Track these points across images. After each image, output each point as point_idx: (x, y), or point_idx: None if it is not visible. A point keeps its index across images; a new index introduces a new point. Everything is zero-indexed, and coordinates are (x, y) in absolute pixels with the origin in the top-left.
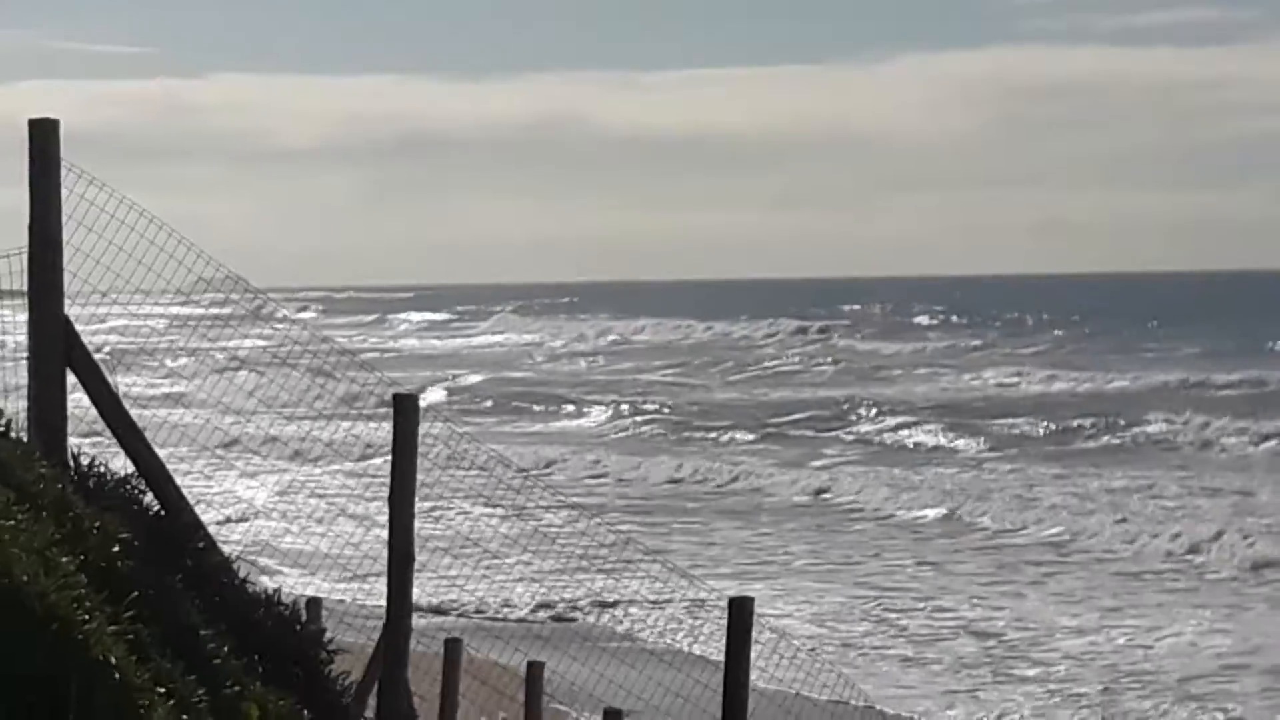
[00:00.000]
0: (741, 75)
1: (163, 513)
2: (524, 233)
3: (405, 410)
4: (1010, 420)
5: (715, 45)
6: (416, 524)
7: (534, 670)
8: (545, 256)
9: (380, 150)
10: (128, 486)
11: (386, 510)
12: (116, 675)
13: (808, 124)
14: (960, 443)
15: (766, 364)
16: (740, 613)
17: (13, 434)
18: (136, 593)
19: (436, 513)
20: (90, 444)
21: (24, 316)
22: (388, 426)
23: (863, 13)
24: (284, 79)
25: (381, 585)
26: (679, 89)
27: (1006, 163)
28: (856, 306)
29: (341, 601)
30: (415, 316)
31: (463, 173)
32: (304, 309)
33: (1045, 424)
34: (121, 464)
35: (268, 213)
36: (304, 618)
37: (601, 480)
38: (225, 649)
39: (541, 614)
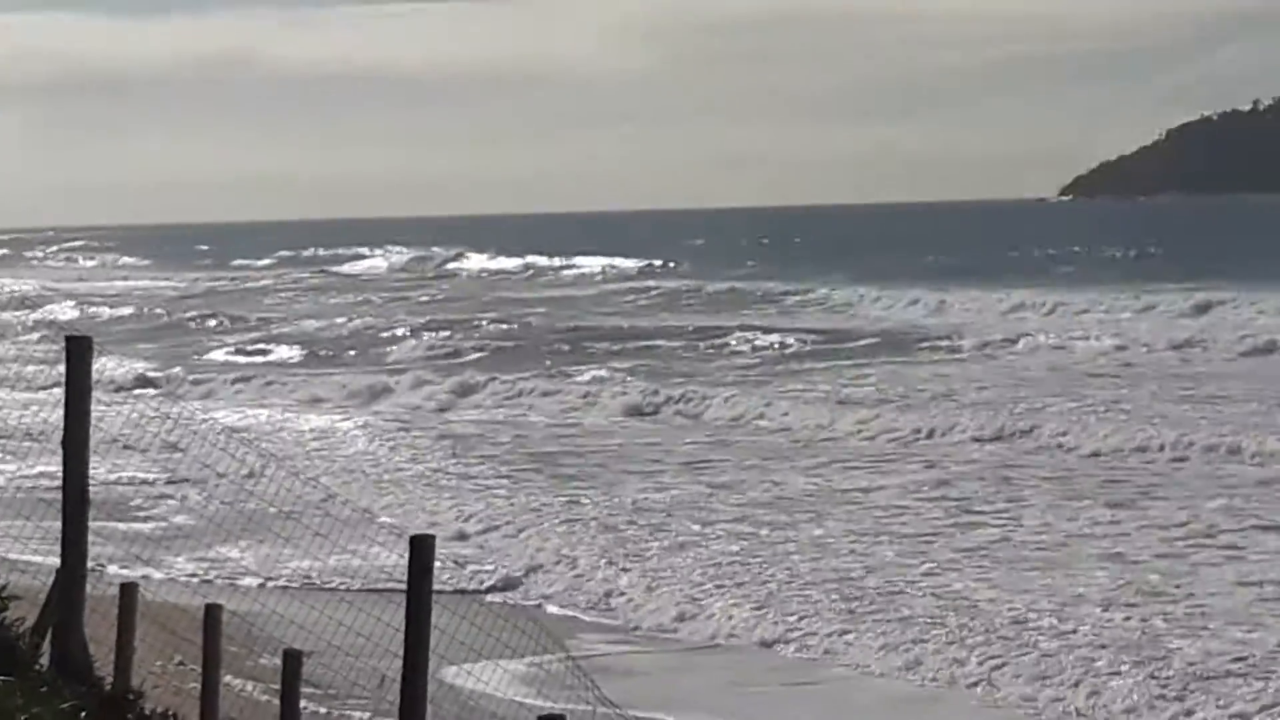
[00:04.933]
0: (420, 10)
1: None
2: (201, 173)
3: (78, 353)
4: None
5: None
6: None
7: (212, 613)
8: (222, 196)
9: (51, 89)
10: None
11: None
12: None
13: (489, 60)
14: None
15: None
16: (421, 550)
17: None
18: None
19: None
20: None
21: None
22: None
23: None
24: None
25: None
26: (355, 25)
27: (687, 97)
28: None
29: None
30: None
31: (137, 112)
32: None
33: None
34: None
35: None
36: None
37: None
38: None
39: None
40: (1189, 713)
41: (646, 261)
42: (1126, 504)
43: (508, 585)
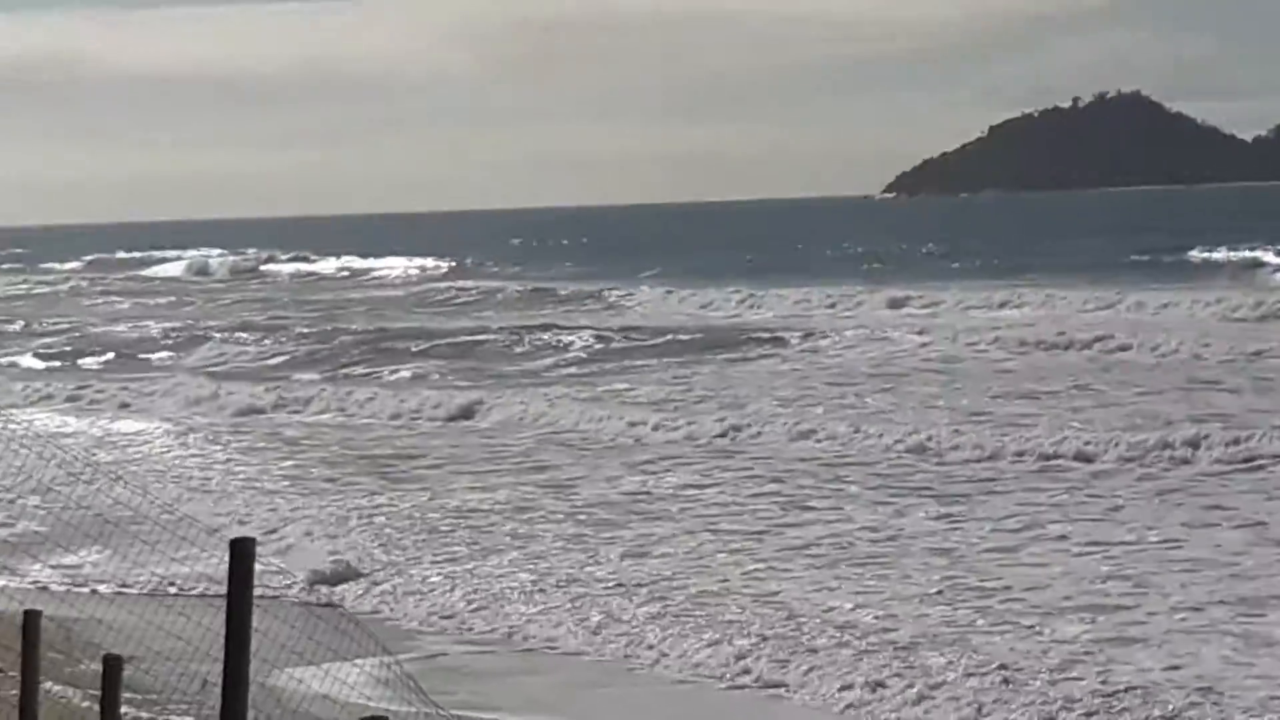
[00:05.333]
0: (244, 11)
1: None
2: (16, 176)
3: None
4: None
5: None
6: None
7: (30, 619)
8: (37, 200)
9: None
10: None
11: None
12: None
13: (313, 61)
14: None
15: None
16: (242, 554)
17: None
18: None
19: None
20: None
21: None
22: None
23: None
24: None
25: None
26: (180, 26)
27: (511, 98)
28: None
29: None
30: None
31: None
32: None
33: None
34: None
35: None
36: None
37: None
38: None
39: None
40: (985, 713)
41: (463, 260)
42: (957, 499)
43: (331, 587)
